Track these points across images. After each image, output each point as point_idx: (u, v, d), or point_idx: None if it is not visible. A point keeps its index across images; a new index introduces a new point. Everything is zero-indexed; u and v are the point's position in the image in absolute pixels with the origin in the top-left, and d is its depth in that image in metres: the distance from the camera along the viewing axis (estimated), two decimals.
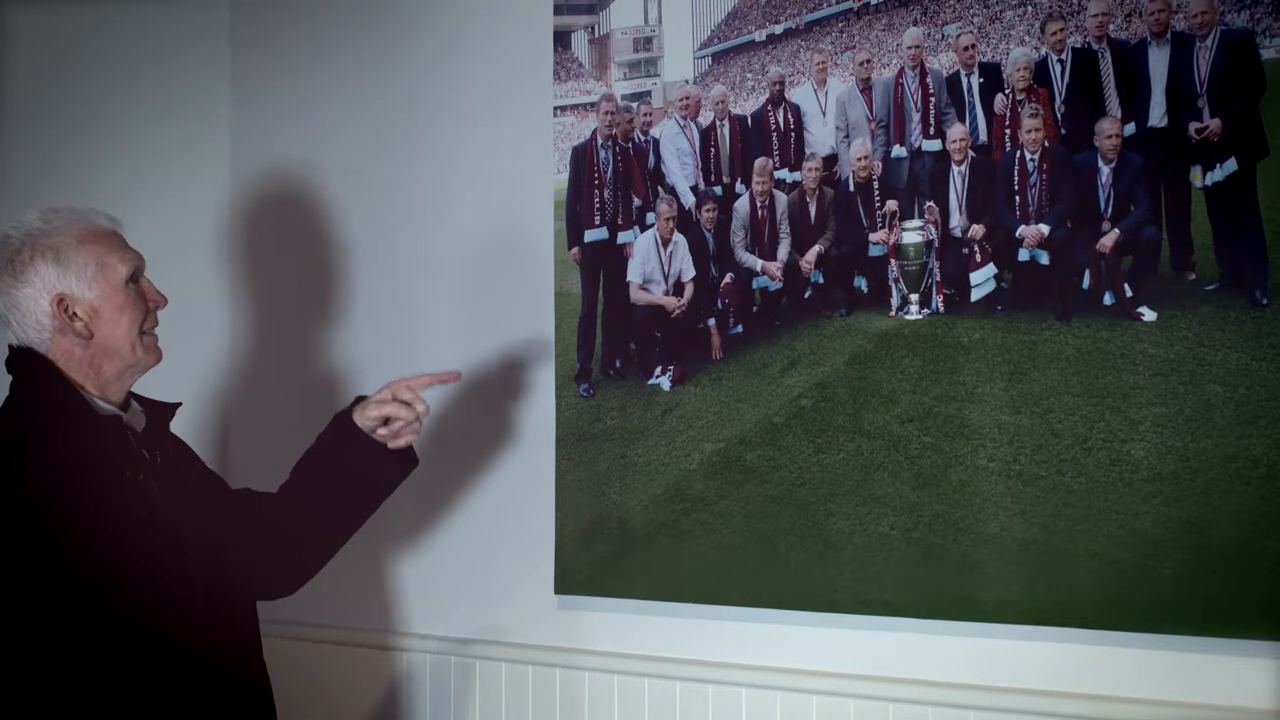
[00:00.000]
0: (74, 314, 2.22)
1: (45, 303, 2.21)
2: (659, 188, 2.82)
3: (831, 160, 2.64)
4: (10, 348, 2.27)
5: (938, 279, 2.52)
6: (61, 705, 2.06)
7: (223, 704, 2.27)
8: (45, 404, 2.20)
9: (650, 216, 2.82)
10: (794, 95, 2.69)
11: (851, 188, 2.62)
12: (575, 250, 2.90)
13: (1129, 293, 2.33)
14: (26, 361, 2.24)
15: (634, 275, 2.83)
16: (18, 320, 2.24)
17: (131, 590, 2.14)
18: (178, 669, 2.18)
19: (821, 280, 2.65)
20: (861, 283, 2.61)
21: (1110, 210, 2.36)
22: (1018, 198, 2.44)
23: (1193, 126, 2.28)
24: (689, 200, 2.78)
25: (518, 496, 2.98)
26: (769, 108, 2.71)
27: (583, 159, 2.90)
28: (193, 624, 2.24)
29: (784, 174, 2.69)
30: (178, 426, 2.42)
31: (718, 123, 2.76)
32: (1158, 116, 2.32)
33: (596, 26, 2.93)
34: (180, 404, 2.42)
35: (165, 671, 2.16)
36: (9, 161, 3.44)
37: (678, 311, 2.79)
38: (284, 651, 3.27)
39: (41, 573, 2.06)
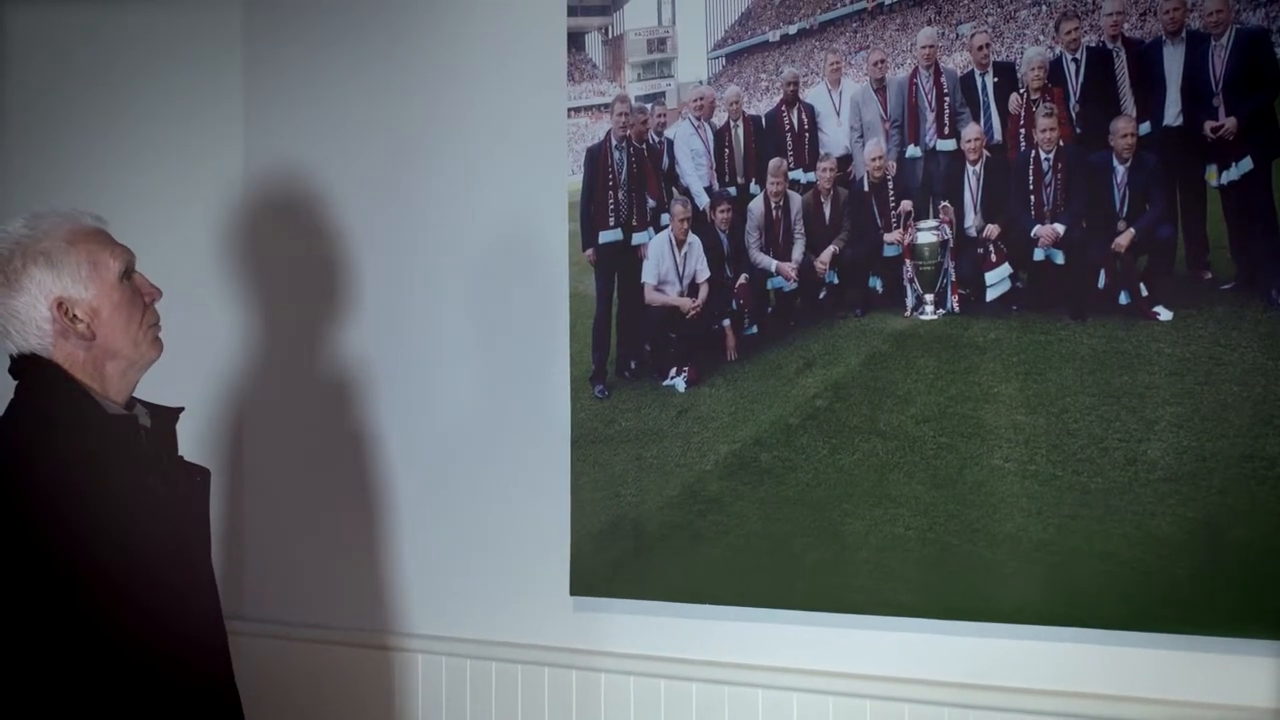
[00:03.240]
0: (74, 316, 2.21)
1: (44, 308, 2.20)
2: (673, 189, 2.81)
3: (846, 160, 2.64)
4: (12, 357, 2.26)
5: (953, 279, 2.52)
6: (67, 701, 2.06)
7: (213, 703, 2.28)
8: (57, 404, 2.20)
9: (665, 218, 2.82)
10: (808, 95, 2.68)
11: (866, 188, 2.61)
12: (590, 251, 2.90)
13: (1144, 292, 2.33)
14: (33, 364, 2.23)
15: (648, 276, 2.83)
16: (17, 329, 2.22)
17: (140, 591, 2.14)
18: (177, 668, 2.19)
19: (836, 281, 2.65)
20: (876, 283, 2.60)
21: (1125, 209, 2.36)
22: (1032, 197, 2.44)
23: (1208, 125, 2.27)
24: (703, 201, 2.78)
25: (533, 498, 2.98)
26: (783, 108, 2.70)
27: (597, 160, 2.90)
28: (195, 625, 2.25)
29: (798, 174, 2.69)
30: (188, 425, 2.42)
31: (732, 123, 2.76)
32: (1173, 115, 2.31)
33: (610, 28, 2.93)
34: (183, 408, 2.41)
35: (164, 670, 2.16)
36: (18, 159, 3.46)
37: (692, 312, 2.79)
38: (298, 653, 3.29)
39: (53, 573, 2.06)
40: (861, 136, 2.62)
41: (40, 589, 2.05)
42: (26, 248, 2.21)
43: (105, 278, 2.24)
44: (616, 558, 2.82)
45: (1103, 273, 2.37)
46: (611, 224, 2.88)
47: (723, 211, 2.75)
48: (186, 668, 2.21)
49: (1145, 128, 2.34)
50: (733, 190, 2.75)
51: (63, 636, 2.06)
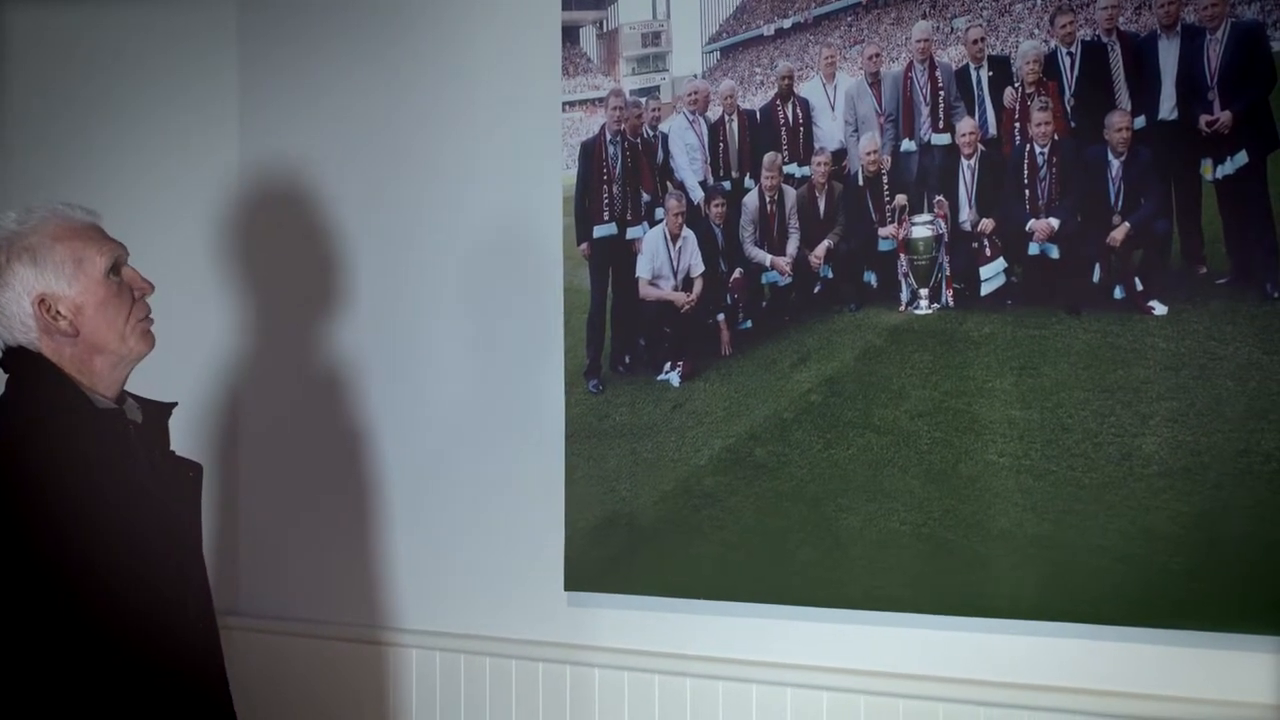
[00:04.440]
0: (57, 313, 2.21)
1: (27, 304, 2.21)
2: (668, 183, 2.81)
3: (840, 155, 2.63)
4: (5, 350, 2.26)
5: (947, 273, 2.51)
6: (55, 698, 2.06)
7: (202, 701, 2.28)
8: (45, 398, 2.20)
9: (659, 212, 2.81)
10: (802, 90, 2.68)
11: (860, 182, 2.61)
12: (584, 246, 2.90)
13: (1139, 286, 2.32)
14: (22, 358, 2.23)
15: (643, 271, 2.83)
16: (3, 324, 2.23)
17: (130, 586, 2.14)
18: (167, 666, 2.18)
19: (831, 275, 2.64)
20: (871, 277, 2.60)
21: (1120, 204, 2.35)
22: (1027, 191, 2.43)
23: (1203, 119, 2.27)
24: (698, 195, 2.77)
25: (527, 493, 2.97)
26: (777, 102, 2.70)
27: (591, 154, 2.89)
28: (183, 621, 2.24)
29: (793, 169, 2.68)
30: (182, 419, 2.41)
31: (726, 117, 2.75)
32: (1168, 109, 2.31)
33: (605, 21, 2.93)
34: (176, 403, 2.41)
35: (155, 668, 2.16)
36: (15, 156, 3.45)
37: (687, 307, 2.78)
38: (292, 648, 3.29)
39: (37, 567, 2.05)
40: (856, 131, 2.61)
41: (27, 584, 2.05)
42: (12, 243, 2.22)
43: (90, 274, 2.24)
44: (611, 553, 2.82)
45: (1097, 267, 2.37)
46: (606, 218, 2.87)
47: (717, 206, 2.75)
48: (177, 663, 2.21)
49: (1140, 122, 2.33)
50: (727, 184, 2.74)
51: (50, 632, 2.06)
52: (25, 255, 2.21)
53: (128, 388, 2.33)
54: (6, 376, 2.25)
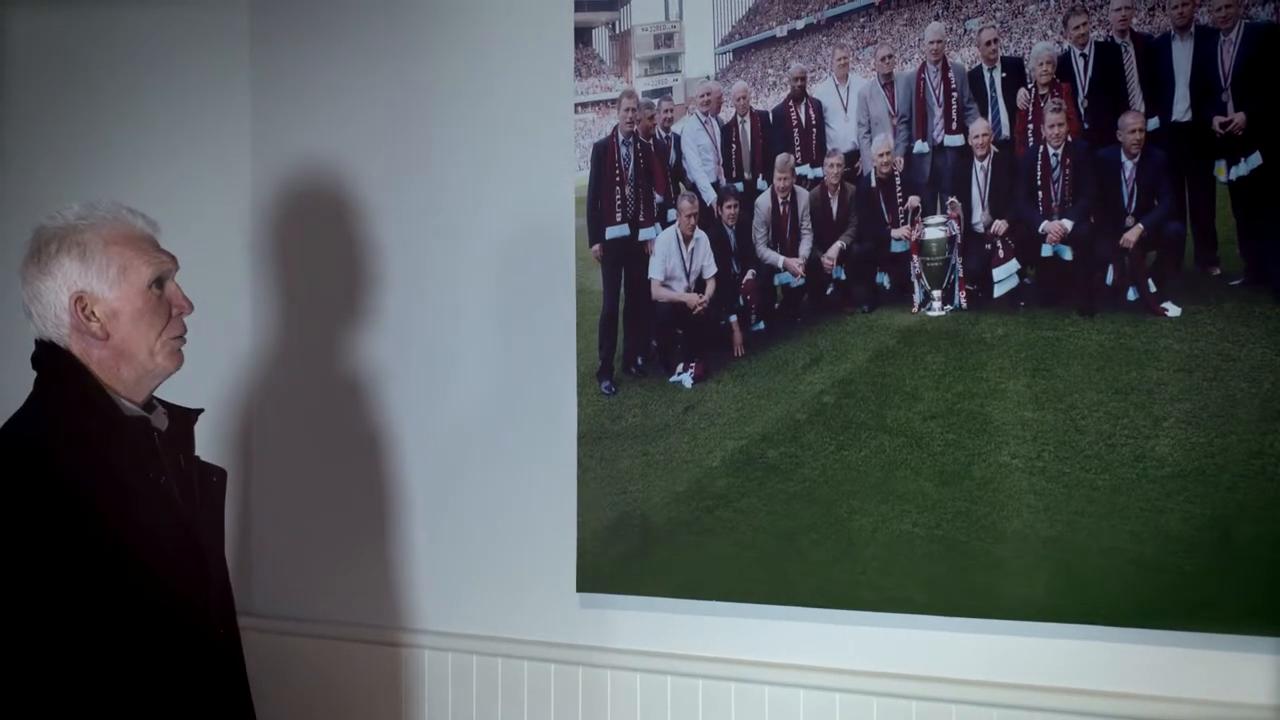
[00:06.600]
0: (91, 314, 2.22)
1: (64, 298, 2.22)
2: (680, 184, 2.81)
3: (853, 156, 2.63)
4: (37, 342, 2.27)
5: (960, 275, 2.51)
6: (73, 700, 2.06)
7: (223, 702, 2.29)
8: (74, 403, 2.21)
9: (671, 213, 2.81)
10: (815, 91, 2.67)
11: (873, 183, 2.61)
12: (596, 247, 2.90)
13: (1153, 288, 2.32)
14: (54, 357, 2.24)
15: (655, 272, 2.83)
16: (39, 312, 2.25)
17: (149, 591, 2.14)
18: (189, 668, 2.19)
19: (843, 276, 2.64)
20: (884, 279, 2.59)
21: (1134, 205, 2.35)
22: (1040, 193, 2.43)
23: (1217, 120, 2.26)
24: (710, 197, 2.77)
25: (540, 494, 2.98)
26: (790, 103, 2.70)
27: (604, 156, 2.89)
28: (205, 624, 2.25)
29: (805, 170, 2.68)
30: (200, 421, 2.42)
31: (739, 119, 2.75)
32: (1181, 110, 2.31)
33: (617, 23, 2.93)
34: (202, 409, 2.42)
35: (177, 670, 2.17)
36: (25, 161, 3.46)
37: (699, 308, 2.78)
38: (306, 649, 3.29)
39: (62, 574, 2.06)
40: (869, 132, 2.61)
41: (51, 589, 2.05)
42: (66, 235, 2.24)
43: (133, 282, 2.25)
44: (623, 554, 2.82)
45: (1111, 269, 2.36)
46: (618, 220, 2.87)
47: (730, 207, 2.75)
48: (199, 665, 2.22)
49: (1154, 123, 2.33)
50: (740, 186, 2.74)
51: (73, 634, 2.06)
52: (75, 250, 2.23)
53: (155, 392, 2.35)
54: (36, 376, 2.26)
